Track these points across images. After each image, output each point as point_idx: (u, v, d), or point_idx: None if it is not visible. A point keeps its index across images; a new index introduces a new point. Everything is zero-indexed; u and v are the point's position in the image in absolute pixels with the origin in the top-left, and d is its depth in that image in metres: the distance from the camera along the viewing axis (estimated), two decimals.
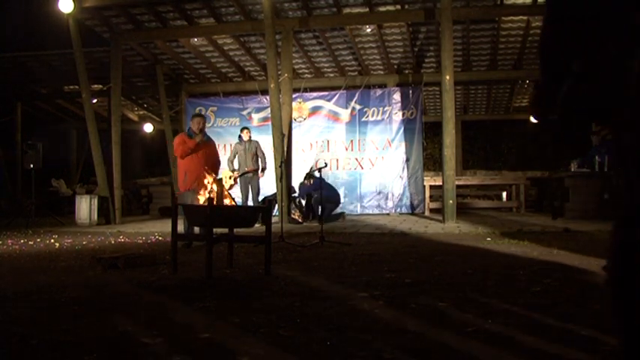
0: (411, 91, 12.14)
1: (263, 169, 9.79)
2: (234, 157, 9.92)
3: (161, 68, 12.90)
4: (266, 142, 10.68)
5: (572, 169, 10.11)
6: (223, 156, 12.41)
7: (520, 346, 2.36)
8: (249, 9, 10.31)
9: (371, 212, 11.90)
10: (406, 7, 10.12)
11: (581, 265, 4.51)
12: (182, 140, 6.68)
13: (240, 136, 9.95)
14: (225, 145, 12.84)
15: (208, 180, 5.27)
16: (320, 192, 8.39)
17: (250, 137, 9.90)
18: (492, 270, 4.34)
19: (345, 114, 12.35)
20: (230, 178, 9.85)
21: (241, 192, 9.83)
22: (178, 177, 6.89)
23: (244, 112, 12.95)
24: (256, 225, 5.45)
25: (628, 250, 1.27)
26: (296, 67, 12.65)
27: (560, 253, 5.19)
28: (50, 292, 3.78)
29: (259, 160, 9.75)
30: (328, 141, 12.41)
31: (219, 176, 5.63)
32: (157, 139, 17.11)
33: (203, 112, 12.92)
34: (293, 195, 10.42)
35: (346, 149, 12.33)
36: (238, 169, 9.73)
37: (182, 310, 3.20)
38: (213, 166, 6.82)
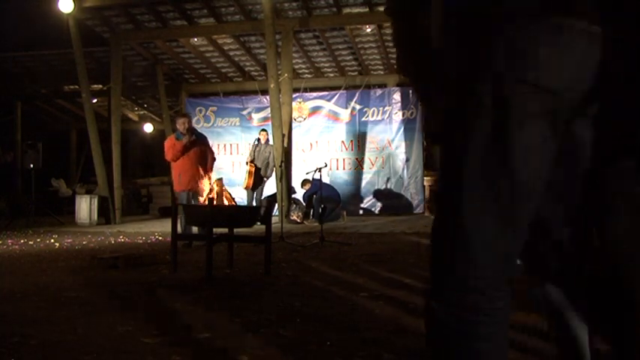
0: (411, 91, 12.12)
1: (268, 177, 9.84)
2: (251, 154, 9.91)
3: (161, 68, 12.88)
4: None
5: None
6: (223, 155, 12.47)
7: (518, 344, 2.35)
8: (249, 9, 10.31)
9: (371, 212, 11.89)
10: None
11: None
12: (171, 144, 6.63)
13: (258, 139, 9.98)
14: (225, 145, 12.82)
15: (209, 181, 5.27)
16: (320, 192, 8.40)
17: (267, 140, 9.88)
18: None
19: (345, 114, 12.35)
20: (246, 172, 9.75)
21: (247, 194, 9.88)
22: (173, 178, 6.87)
23: (244, 112, 12.93)
24: (256, 225, 5.45)
25: None
26: (296, 67, 12.64)
27: None
28: (50, 292, 3.78)
29: (269, 166, 9.73)
30: (328, 142, 12.42)
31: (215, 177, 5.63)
32: (157, 139, 17.06)
33: (203, 112, 12.92)
34: (292, 195, 10.44)
35: (346, 149, 12.33)
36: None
37: (182, 310, 3.20)
38: (206, 163, 6.80)
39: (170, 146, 6.64)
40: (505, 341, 1.07)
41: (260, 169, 9.76)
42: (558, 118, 1.06)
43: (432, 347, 1.09)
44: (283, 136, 9.52)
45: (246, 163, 9.93)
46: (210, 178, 6.86)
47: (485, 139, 1.04)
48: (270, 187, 10.24)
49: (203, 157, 6.76)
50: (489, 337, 1.04)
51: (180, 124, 6.67)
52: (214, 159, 7.12)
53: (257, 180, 9.68)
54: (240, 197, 10.96)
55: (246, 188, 9.76)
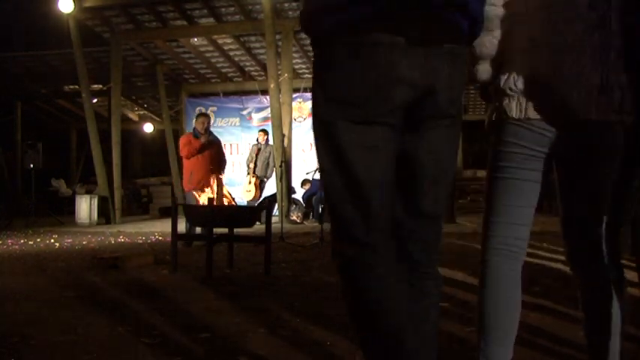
0: None
1: (268, 177, 9.85)
2: (252, 160, 9.89)
3: (161, 68, 12.87)
4: None
5: None
6: (227, 155, 12.45)
7: (521, 342, 2.35)
8: (249, 9, 10.30)
9: None
10: None
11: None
12: (188, 141, 6.71)
13: (257, 139, 9.96)
14: (225, 145, 12.78)
15: (212, 181, 5.28)
16: (320, 192, 8.40)
17: (267, 141, 9.87)
18: None
19: None
20: (250, 183, 9.78)
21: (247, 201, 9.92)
22: (184, 176, 6.92)
23: (244, 112, 12.93)
24: (256, 225, 5.46)
25: None
26: (296, 67, 12.63)
27: (557, 253, 5.18)
28: (50, 292, 3.78)
29: (269, 166, 9.74)
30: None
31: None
32: (157, 139, 17.08)
33: (203, 112, 12.92)
34: (292, 196, 10.44)
35: None
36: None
37: (182, 310, 3.20)
38: (219, 165, 6.86)
39: (186, 143, 6.68)
40: (396, 295, 1.25)
41: (263, 181, 9.78)
42: (376, 126, 1.19)
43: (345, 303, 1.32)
44: (283, 136, 9.52)
45: (247, 164, 9.90)
46: (220, 181, 6.90)
47: (324, 143, 1.25)
48: (270, 187, 10.23)
49: (216, 159, 6.80)
50: (380, 290, 1.25)
51: (200, 124, 6.74)
52: (226, 162, 7.18)
53: (261, 191, 9.72)
54: (241, 197, 10.96)
55: (250, 200, 9.78)
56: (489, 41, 1.56)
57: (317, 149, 1.29)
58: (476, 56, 1.59)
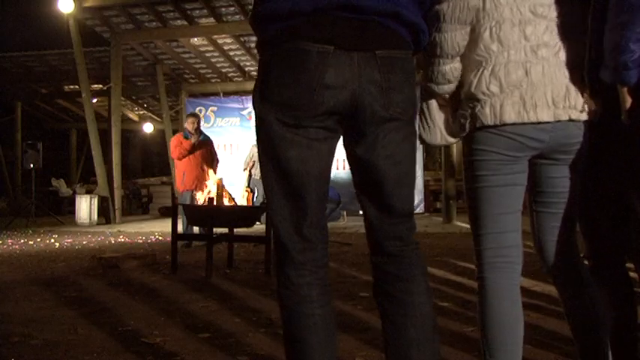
0: None
1: None
2: (253, 161, 9.87)
3: (161, 68, 12.88)
4: None
5: None
6: (223, 155, 12.44)
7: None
8: (249, 8, 10.29)
9: None
10: None
11: None
12: (178, 142, 6.68)
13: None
14: (225, 145, 12.82)
15: (209, 180, 5.27)
16: None
17: None
18: None
19: None
20: (243, 197, 9.85)
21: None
22: (177, 177, 6.90)
23: (244, 112, 12.93)
24: (256, 225, 5.46)
25: None
26: None
27: None
28: (50, 291, 3.78)
29: None
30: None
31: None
32: (157, 139, 17.09)
33: (203, 112, 12.92)
34: None
35: None
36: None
37: (182, 310, 3.20)
38: (211, 165, 6.84)
39: (177, 144, 6.67)
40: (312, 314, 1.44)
41: (258, 195, 9.83)
42: (306, 126, 1.25)
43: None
44: None
45: (243, 168, 9.88)
46: (220, 181, 6.88)
47: (262, 147, 1.33)
48: None
49: (208, 158, 6.79)
50: (298, 310, 1.41)
51: (190, 124, 6.71)
52: (218, 161, 7.15)
53: (253, 204, 9.80)
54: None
55: None
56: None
57: (257, 144, 1.36)
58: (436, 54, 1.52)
